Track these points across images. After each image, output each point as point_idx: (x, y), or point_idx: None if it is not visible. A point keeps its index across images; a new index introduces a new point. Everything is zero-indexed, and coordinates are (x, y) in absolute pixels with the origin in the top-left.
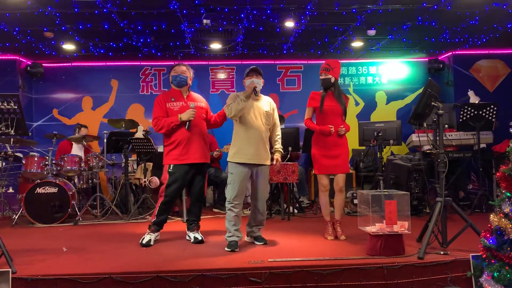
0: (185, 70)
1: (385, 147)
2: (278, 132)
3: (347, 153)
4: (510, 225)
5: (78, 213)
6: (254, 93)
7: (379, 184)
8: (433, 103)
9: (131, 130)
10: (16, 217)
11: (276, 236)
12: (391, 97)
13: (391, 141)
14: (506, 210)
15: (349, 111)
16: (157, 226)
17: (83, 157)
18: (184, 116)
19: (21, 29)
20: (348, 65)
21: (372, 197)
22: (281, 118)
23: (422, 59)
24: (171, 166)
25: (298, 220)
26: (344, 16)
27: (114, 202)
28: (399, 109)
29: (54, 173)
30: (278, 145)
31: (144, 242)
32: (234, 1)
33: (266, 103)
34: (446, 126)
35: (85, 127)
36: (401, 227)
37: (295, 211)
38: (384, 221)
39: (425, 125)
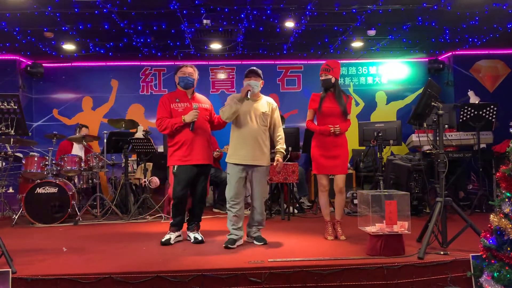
0: (192, 72)
1: (385, 147)
2: (279, 133)
3: (347, 154)
4: (510, 225)
5: (78, 213)
6: (246, 96)
7: (379, 184)
8: (433, 103)
9: (131, 130)
10: (16, 217)
11: (276, 236)
12: (391, 97)
13: (391, 141)
14: (506, 210)
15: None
16: (176, 227)
17: (83, 157)
18: (187, 117)
19: (21, 29)
20: (348, 65)
21: (372, 197)
22: (282, 118)
23: (422, 59)
24: (175, 167)
25: (298, 220)
26: (344, 16)
27: (114, 202)
28: (399, 109)
29: (54, 173)
30: (280, 146)
31: (163, 240)
32: (234, 1)
33: (264, 104)
34: (446, 126)
35: (86, 127)
36: (401, 227)
37: (295, 211)
38: (384, 221)
39: (425, 125)
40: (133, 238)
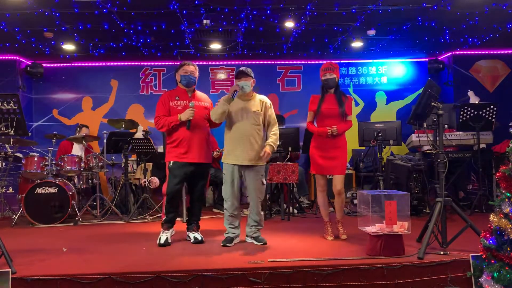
0: (194, 70)
1: (385, 147)
2: (274, 129)
3: (345, 156)
4: (510, 225)
5: (78, 213)
6: (232, 96)
7: (379, 184)
8: (433, 103)
9: (131, 130)
10: (16, 217)
11: (276, 236)
12: (391, 97)
13: (391, 141)
14: (506, 210)
15: None
16: (168, 223)
17: (83, 157)
18: (183, 116)
19: (21, 29)
20: (348, 65)
21: (372, 197)
22: (282, 119)
23: (422, 59)
24: (171, 163)
25: (298, 220)
26: (344, 16)
27: (114, 202)
28: (399, 109)
29: (54, 173)
30: (271, 140)
31: (162, 242)
32: (234, 1)
33: (257, 103)
34: (446, 126)
35: (86, 127)
36: (401, 227)
37: (295, 211)
38: (384, 221)
39: (425, 125)
40: (133, 238)
